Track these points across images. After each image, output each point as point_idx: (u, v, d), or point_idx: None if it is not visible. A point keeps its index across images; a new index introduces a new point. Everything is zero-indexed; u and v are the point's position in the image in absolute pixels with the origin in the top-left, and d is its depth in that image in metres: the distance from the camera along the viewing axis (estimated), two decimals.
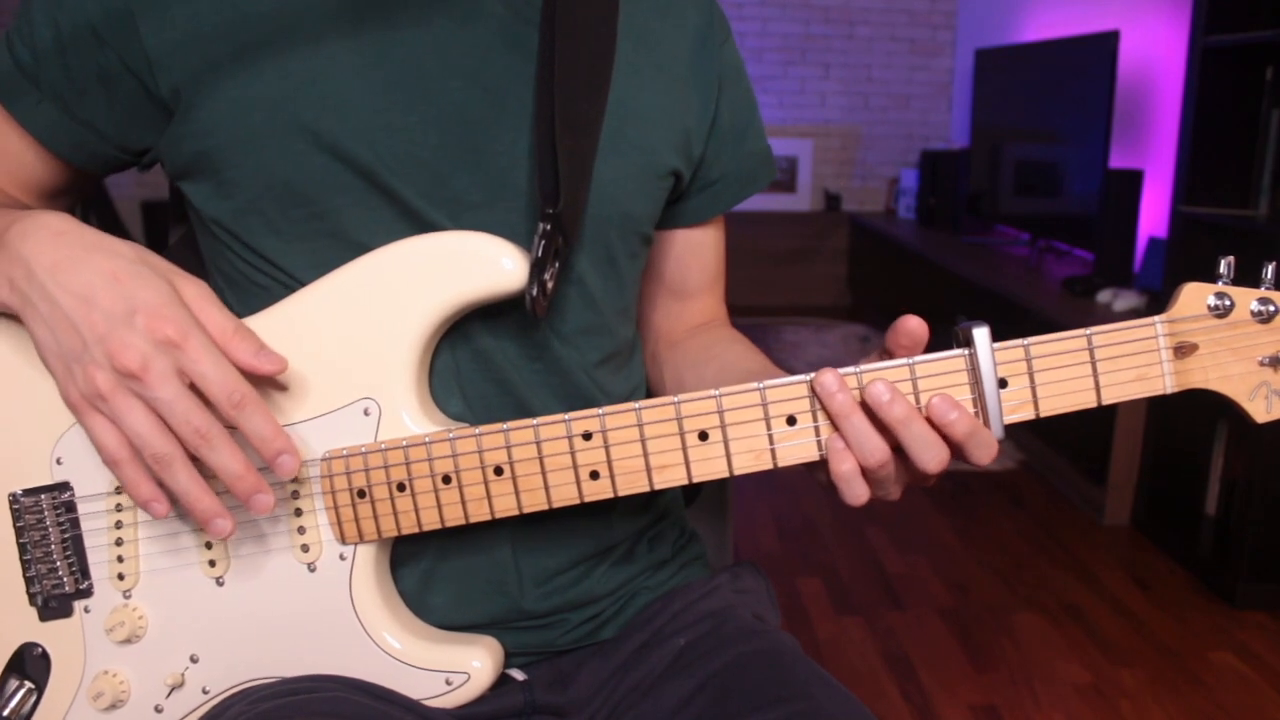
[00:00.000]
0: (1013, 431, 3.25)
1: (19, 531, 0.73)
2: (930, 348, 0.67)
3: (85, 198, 0.87)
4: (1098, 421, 2.64)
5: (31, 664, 0.74)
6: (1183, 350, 0.67)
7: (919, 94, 5.22)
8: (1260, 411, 0.68)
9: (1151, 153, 3.23)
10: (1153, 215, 3.17)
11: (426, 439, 0.69)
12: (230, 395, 0.62)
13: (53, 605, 0.73)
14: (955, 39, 5.16)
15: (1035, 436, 3.05)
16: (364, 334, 0.70)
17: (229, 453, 0.63)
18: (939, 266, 3.73)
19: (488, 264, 0.69)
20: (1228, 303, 0.67)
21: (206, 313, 0.64)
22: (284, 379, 0.71)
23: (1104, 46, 3.07)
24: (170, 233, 0.93)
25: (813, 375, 0.66)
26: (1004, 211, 3.94)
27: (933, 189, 4.55)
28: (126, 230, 3.71)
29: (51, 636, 0.74)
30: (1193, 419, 2.40)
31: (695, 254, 0.91)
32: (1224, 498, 2.31)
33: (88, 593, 0.73)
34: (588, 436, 0.68)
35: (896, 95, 5.21)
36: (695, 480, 0.68)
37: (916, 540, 2.54)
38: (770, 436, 0.67)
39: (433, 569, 0.76)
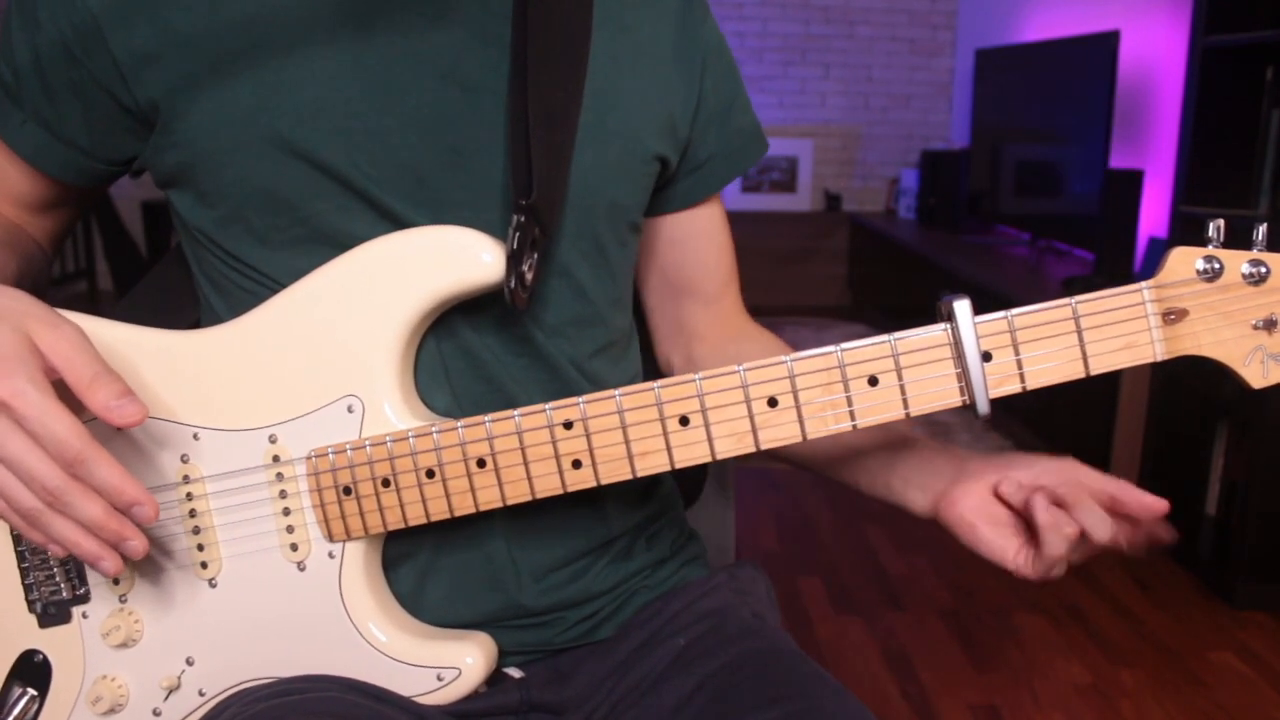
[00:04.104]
0: (1012, 431, 3.25)
1: (17, 539, 0.73)
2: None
3: (85, 210, 0.87)
4: (1098, 421, 2.63)
5: (33, 670, 0.74)
6: (1172, 316, 0.65)
7: (919, 94, 5.21)
8: (1256, 376, 0.66)
9: (1151, 153, 3.22)
10: (1153, 215, 3.16)
11: (410, 434, 0.69)
12: (64, 454, 0.60)
13: (51, 612, 0.74)
14: (955, 39, 5.16)
15: (1035, 435, 3.04)
16: (345, 332, 0.70)
17: (86, 505, 0.61)
18: (939, 266, 3.72)
19: (465, 257, 0.69)
20: (1217, 266, 0.65)
21: (67, 360, 0.61)
22: (267, 379, 0.71)
23: (1104, 46, 3.06)
24: (172, 234, 0.94)
25: (791, 357, 0.66)
26: (1004, 211, 3.93)
27: (933, 189, 4.54)
28: (127, 231, 3.72)
29: (51, 643, 0.74)
30: (1193, 419, 2.39)
31: (697, 240, 0.90)
32: (1224, 498, 2.31)
33: (85, 598, 0.73)
34: (569, 425, 0.68)
35: (896, 95, 5.21)
36: (678, 465, 0.68)
37: (916, 540, 2.54)
38: (752, 419, 0.67)
39: (428, 566, 0.76)
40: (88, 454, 0.60)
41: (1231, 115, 2.37)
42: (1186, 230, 2.39)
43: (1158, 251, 2.96)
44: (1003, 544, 0.72)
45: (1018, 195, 3.82)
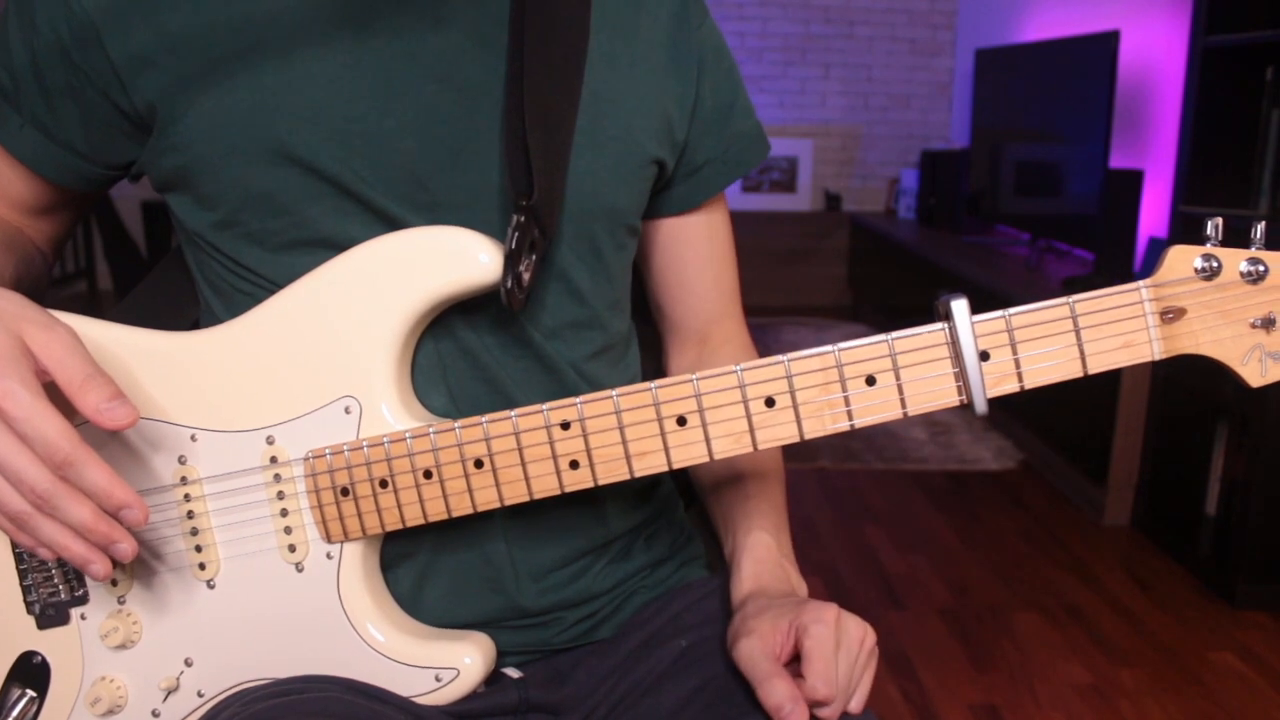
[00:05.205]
0: (1012, 431, 3.25)
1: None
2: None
3: (84, 213, 0.87)
4: (1098, 421, 2.63)
5: (32, 672, 0.74)
6: (1170, 315, 0.65)
7: (919, 94, 5.21)
8: (1254, 375, 0.66)
9: (1151, 153, 3.22)
10: (1153, 215, 3.16)
11: (407, 435, 0.69)
12: (53, 456, 0.59)
13: (50, 613, 0.74)
14: (955, 39, 5.16)
15: (1035, 436, 3.04)
16: (342, 332, 0.70)
17: (74, 508, 0.61)
18: (939, 266, 3.73)
19: (463, 258, 0.69)
20: (1215, 264, 0.65)
21: (58, 362, 0.61)
22: (265, 380, 0.71)
23: (1104, 46, 3.06)
24: (172, 234, 0.94)
25: (789, 356, 0.66)
26: (1004, 211, 3.93)
27: (933, 189, 4.54)
28: (127, 231, 3.72)
29: (50, 644, 0.74)
30: (1193, 419, 2.39)
31: (695, 243, 0.89)
32: (1224, 498, 2.31)
33: (83, 600, 0.73)
34: (566, 426, 0.68)
35: (896, 95, 5.21)
36: (675, 466, 0.68)
37: (916, 540, 2.54)
38: (749, 419, 0.67)
39: (427, 567, 0.76)
40: (77, 456, 0.60)
41: (1231, 115, 2.37)
42: (1186, 230, 2.39)
43: (1158, 251, 2.96)
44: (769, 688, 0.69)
45: (1018, 195, 3.81)
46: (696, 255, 0.90)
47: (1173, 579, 2.37)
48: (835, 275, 5.14)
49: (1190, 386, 2.39)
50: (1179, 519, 2.46)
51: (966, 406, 0.66)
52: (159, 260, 0.96)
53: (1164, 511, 2.53)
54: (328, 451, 0.70)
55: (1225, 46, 2.30)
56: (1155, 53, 3.22)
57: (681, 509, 0.94)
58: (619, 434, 0.68)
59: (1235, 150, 2.39)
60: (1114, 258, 3.10)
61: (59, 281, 4.42)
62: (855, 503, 2.79)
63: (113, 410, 0.60)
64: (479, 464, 0.69)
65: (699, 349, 0.91)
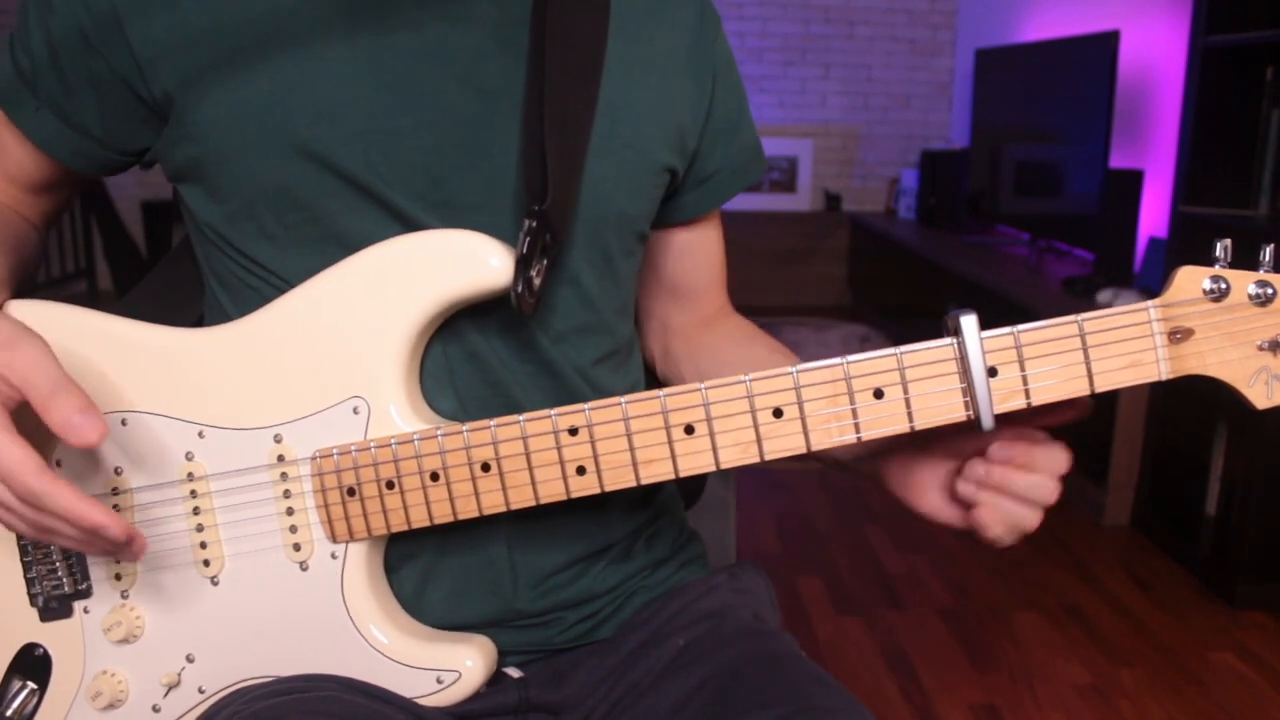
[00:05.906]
0: None
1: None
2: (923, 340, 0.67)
3: (83, 192, 0.87)
4: (1098, 421, 2.63)
5: (33, 664, 0.74)
6: (1178, 335, 0.65)
7: (919, 94, 5.21)
8: (1260, 397, 0.66)
9: (1151, 153, 3.23)
10: (1153, 215, 3.16)
11: (415, 437, 0.69)
12: (26, 494, 0.60)
13: (53, 606, 0.74)
14: (955, 39, 5.16)
15: None
16: (352, 333, 0.71)
17: (59, 527, 0.61)
18: (939, 266, 3.72)
19: (475, 261, 0.69)
20: (1224, 286, 0.65)
21: (24, 380, 0.60)
22: (273, 379, 0.71)
23: (1104, 46, 3.06)
24: (174, 233, 0.94)
25: (798, 368, 0.66)
26: (1004, 211, 3.93)
27: (933, 189, 4.54)
28: (127, 231, 3.72)
29: (52, 637, 0.74)
30: (1193, 419, 2.39)
31: (695, 250, 0.91)
32: (1224, 498, 2.31)
33: (87, 593, 0.74)
34: (574, 432, 0.68)
35: (896, 95, 5.21)
36: (682, 474, 0.68)
37: (916, 540, 2.54)
38: (756, 429, 0.67)
39: (430, 568, 0.76)
40: (44, 486, 0.59)
41: (1231, 115, 2.38)
42: (1186, 230, 2.39)
43: (1158, 251, 2.96)
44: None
45: (1018, 195, 3.82)
46: (708, 264, 0.92)
47: (1173, 579, 2.38)
48: (835, 275, 5.14)
49: (1190, 387, 2.39)
50: (1179, 519, 2.47)
51: (974, 422, 0.66)
52: (159, 260, 0.97)
53: (1164, 511, 2.53)
54: (335, 451, 0.70)
55: (1225, 46, 2.30)
56: (1155, 53, 3.22)
57: (683, 509, 0.94)
58: (626, 441, 0.68)
59: (1235, 150, 2.39)
60: (1114, 258, 3.10)
61: (59, 281, 4.41)
62: (855, 503, 2.79)
63: (79, 426, 0.59)
64: (486, 468, 0.69)
65: (688, 344, 0.92)
